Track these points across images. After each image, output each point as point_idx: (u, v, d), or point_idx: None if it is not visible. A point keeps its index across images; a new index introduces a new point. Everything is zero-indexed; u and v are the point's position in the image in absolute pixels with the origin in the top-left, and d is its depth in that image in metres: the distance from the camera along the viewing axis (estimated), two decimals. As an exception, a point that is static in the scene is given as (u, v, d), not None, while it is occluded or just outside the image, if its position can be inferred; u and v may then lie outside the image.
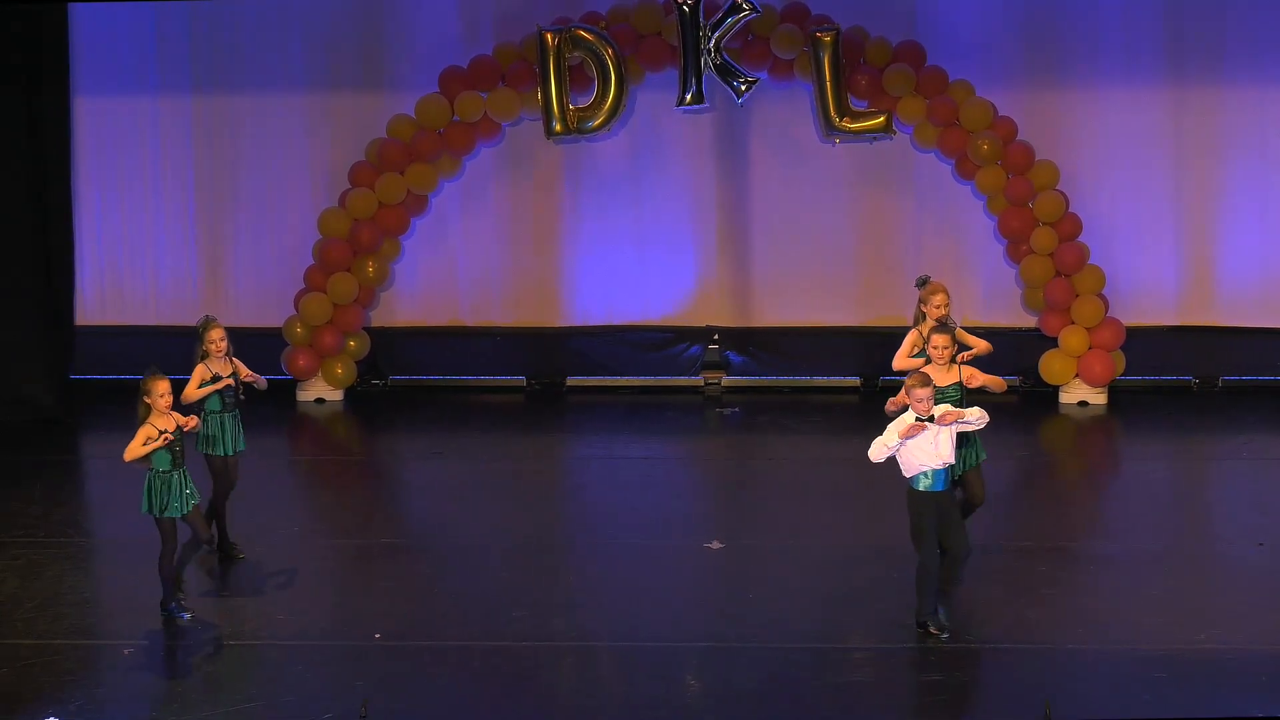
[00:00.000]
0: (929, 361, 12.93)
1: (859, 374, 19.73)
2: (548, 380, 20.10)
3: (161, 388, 12.50)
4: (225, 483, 13.91)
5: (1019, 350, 19.34)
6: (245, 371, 13.88)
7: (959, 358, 13.00)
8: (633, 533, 14.51)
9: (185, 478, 12.58)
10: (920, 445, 11.98)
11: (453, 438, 18.20)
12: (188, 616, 12.65)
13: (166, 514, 12.50)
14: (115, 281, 20.05)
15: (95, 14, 19.34)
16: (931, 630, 12.12)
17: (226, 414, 13.78)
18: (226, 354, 13.76)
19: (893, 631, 12.29)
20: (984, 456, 13.12)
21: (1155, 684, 11.32)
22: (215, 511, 13.86)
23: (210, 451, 13.78)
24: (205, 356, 13.69)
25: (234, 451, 13.83)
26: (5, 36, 18.52)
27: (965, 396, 12.75)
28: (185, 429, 12.67)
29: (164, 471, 12.51)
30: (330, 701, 11.14)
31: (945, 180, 19.41)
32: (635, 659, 11.92)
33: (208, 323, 13.79)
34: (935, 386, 12.38)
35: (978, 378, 12.80)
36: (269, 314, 19.29)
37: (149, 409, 12.49)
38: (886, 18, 19.05)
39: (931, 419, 11.93)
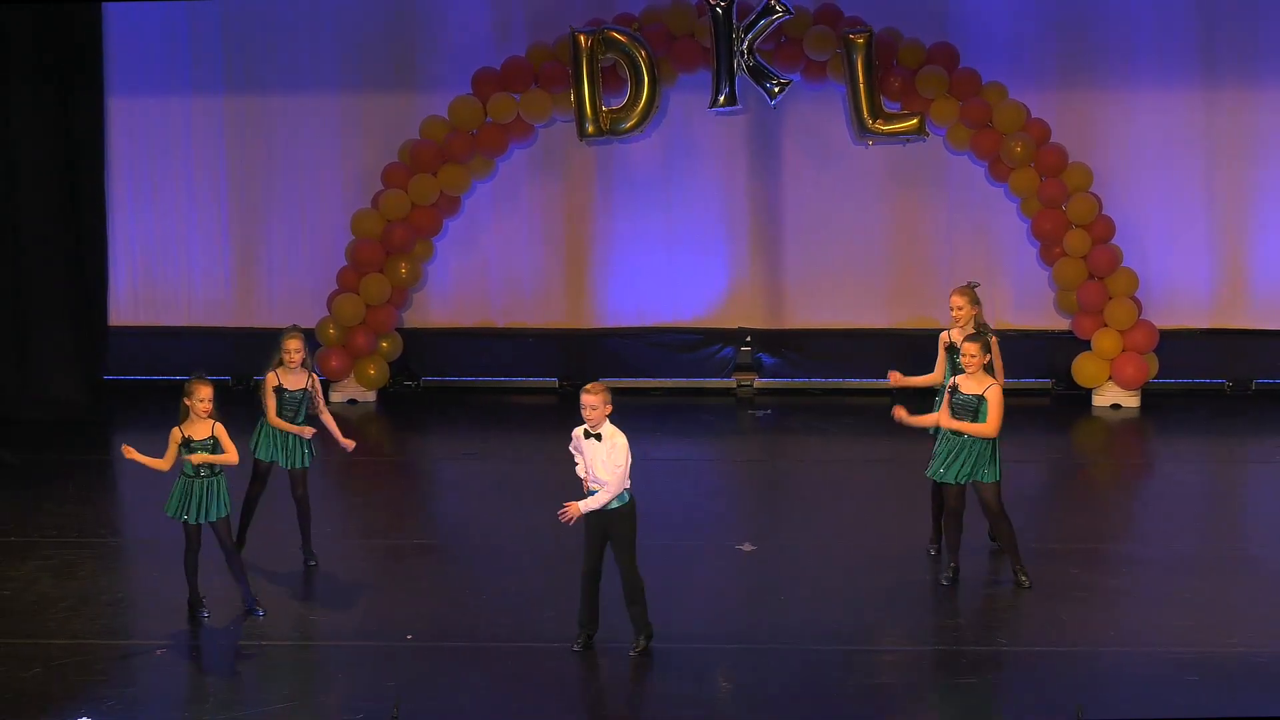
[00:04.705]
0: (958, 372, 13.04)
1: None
2: (579, 381, 20.04)
3: (204, 392, 12.37)
4: (259, 487, 13.75)
5: (1052, 353, 19.33)
6: (320, 399, 13.65)
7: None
8: (665, 534, 14.47)
9: (211, 486, 12.47)
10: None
11: (485, 439, 18.21)
12: (262, 613, 12.66)
13: (182, 518, 12.48)
14: (148, 282, 20.09)
15: (128, 14, 19.39)
16: None
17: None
18: (303, 366, 13.55)
19: (924, 633, 12.28)
20: (987, 477, 12.98)
21: (1187, 687, 11.28)
22: (244, 510, 13.70)
23: (261, 456, 13.63)
24: (279, 365, 13.51)
25: (278, 464, 13.62)
26: (39, 37, 18.57)
27: (980, 408, 12.74)
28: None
29: (188, 476, 12.48)
30: (362, 702, 11.15)
31: (978, 182, 19.38)
32: (666, 660, 11.91)
33: (288, 332, 13.62)
34: (961, 393, 12.57)
35: (952, 423, 12.78)
36: (302, 315, 19.18)
37: (187, 411, 12.43)
38: (919, 19, 19.03)
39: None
